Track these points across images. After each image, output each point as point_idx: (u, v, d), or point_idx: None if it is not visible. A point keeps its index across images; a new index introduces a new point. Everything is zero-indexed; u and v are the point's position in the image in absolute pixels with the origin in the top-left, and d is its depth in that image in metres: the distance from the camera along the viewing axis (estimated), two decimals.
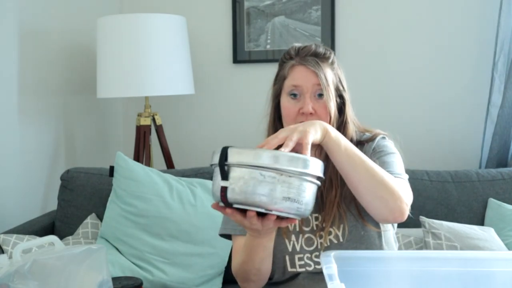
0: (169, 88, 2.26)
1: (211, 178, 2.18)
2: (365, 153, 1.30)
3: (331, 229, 1.27)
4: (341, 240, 1.26)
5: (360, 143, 1.34)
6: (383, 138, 1.35)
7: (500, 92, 2.21)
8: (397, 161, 1.30)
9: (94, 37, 2.32)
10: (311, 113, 1.26)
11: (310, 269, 1.27)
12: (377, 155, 1.30)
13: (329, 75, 1.29)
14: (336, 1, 2.50)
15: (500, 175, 1.95)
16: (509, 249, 1.72)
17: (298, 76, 1.29)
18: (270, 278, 1.32)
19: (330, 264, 0.79)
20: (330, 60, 1.31)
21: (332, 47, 2.50)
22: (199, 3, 2.66)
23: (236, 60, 2.63)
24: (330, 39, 2.49)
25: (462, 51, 2.41)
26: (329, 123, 1.26)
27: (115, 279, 1.27)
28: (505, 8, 2.18)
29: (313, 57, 1.29)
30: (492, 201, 1.89)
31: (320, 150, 1.32)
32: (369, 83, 2.48)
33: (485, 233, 1.75)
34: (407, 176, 1.29)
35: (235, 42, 2.61)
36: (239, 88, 2.65)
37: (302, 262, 1.28)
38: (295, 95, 1.29)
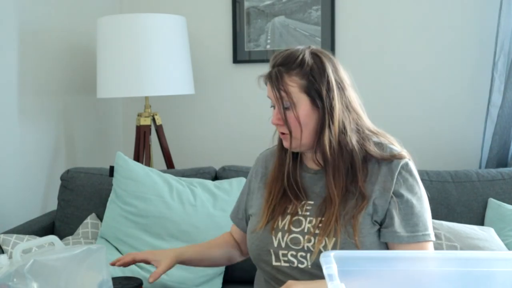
0: (169, 88, 2.26)
1: (211, 178, 2.19)
2: (377, 173, 1.26)
3: (325, 238, 1.24)
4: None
5: (372, 158, 1.27)
6: (406, 164, 1.26)
7: (500, 92, 2.21)
8: (423, 209, 1.25)
9: (94, 37, 2.32)
10: (278, 124, 1.28)
11: (293, 266, 1.28)
12: (401, 193, 1.24)
13: (293, 84, 1.24)
14: (336, 1, 2.50)
15: (500, 175, 1.95)
16: (509, 249, 1.72)
17: (267, 88, 1.30)
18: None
19: (330, 264, 0.79)
20: (298, 61, 1.24)
21: (332, 47, 2.50)
22: (199, 3, 2.66)
23: (236, 60, 2.63)
24: (330, 39, 2.49)
25: (462, 51, 2.41)
26: (300, 131, 1.25)
27: (115, 279, 1.27)
28: (505, 8, 2.18)
29: (277, 68, 1.27)
30: (492, 201, 1.89)
31: (317, 155, 1.30)
32: (369, 83, 2.48)
33: (485, 233, 1.75)
34: (431, 226, 1.25)
35: (235, 42, 2.61)
36: (239, 88, 2.65)
37: (286, 258, 1.29)
38: (273, 105, 1.31)
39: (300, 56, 1.25)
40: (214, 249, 1.49)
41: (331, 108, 1.24)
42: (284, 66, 1.26)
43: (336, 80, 1.25)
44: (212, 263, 1.52)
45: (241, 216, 1.48)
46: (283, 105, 1.25)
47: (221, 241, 1.52)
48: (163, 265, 1.33)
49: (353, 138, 1.26)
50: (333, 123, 1.24)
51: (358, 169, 1.25)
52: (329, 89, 1.24)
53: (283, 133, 1.30)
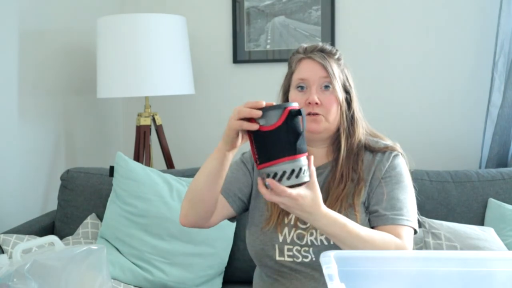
0: (169, 88, 2.26)
1: None
2: (371, 163, 1.34)
3: None
4: (331, 242, 1.28)
5: (368, 149, 1.36)
6: (397, 156, 1.35)
7: (500, 92, 2.21)
8: (409, 198, 1.30)
9: (94, 37, 2.32)
10: (316, 103, 1.29)
11: (298, 260, 1.31)
12: (389, 180, 1.31)
13: (336, 69, 1.33)
14: (336, 1, 2.50)
15: (500, 175, 1.95)
16: (509, 249, 1.72)
17: (305, 68, 1.33)
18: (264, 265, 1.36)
19: (330, 264, 0.79)
20: (336, 57, 1.35)
21: None
22: (199, 3, 2.66)
23: (236, 60, 2.63)
24: (330, 39, 2.49)
25: (462, 51, 2.41)
26: (340, 112, 1.31)
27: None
28: (505, 8, 2.18)
29: (320, 52, 1.33)
30: (492, 201, 1.89)
31: (330, 148, 1.37)
32: (369, 83, 2.48)
33: (485, 233, 1.75)
34: (415, 216, 1.29)
35: (235, 42, 2.61)
36: (239, 88, 2.65)
37: (291, 253, 1.31)
38: (302, 87, 1.32)
39: (338, 53, 1.37)
40: (216, 197, 1.31)
41: (353, 103, 1.36)
42: (324, 53, 1.34)
43: (353, 83, 1.37)
44: (205, 194, 1.28)
45: (231, 187, 1.39)
46: (325, 84, 1.31)
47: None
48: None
49: (362, 132, 1.38)
50: (354, 115, 1.36)
51: (360, 157, 1.34)
52: (351, 87, 1.37)
53: (316, 114, 1.31)
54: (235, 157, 1.34)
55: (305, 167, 1.07)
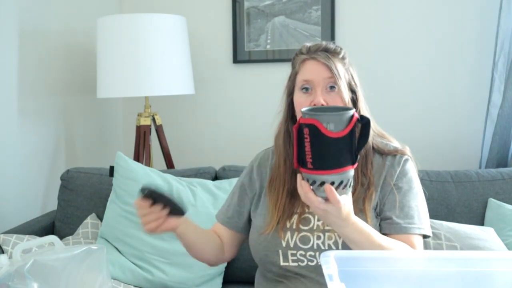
0: (169, 88, 2.26)
1: (211, 178, 2.18)
2: (382, 167, 1.32)
3: (333, 234, 1.27)
4: (340, 248, 1.27)
5: (377, 152, 1.34)
6: (407, 160, 1.33)
7: (500, 92, 2.21)
8: (420, 204, 1.30)
9: (94, 37, 2.32)
10: (322, 105, 1.27)
11: (302, 264, 1.29)
12: (401, 187, 1.29)
13: (340, 68, 1.30)
14: (336, 1, 2.50)
15: (500, 175, 1.95)
16: (509, 249, 1.72)
17: (309, 70, 1.30)
18: (269, 271, 1.35)
19: (330, 264, 0.79)
20: (341, 56, 1.33)
21: None
22: (199, 3, 2.66)
23: (236, 60, 2.63)
24: (330, 39, 2.49)
25: (462, 51, 2.41)
26: None
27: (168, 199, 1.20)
28: (505, 8, 2.18)
29: (323, 52, 1.31)
30: (492, 201, 1.89)
31: None
32: (369, 83, 2.46)
33: (485, 233, 1.75)
34: (427, 222, 1.29)
35: (235, 42, 2.61)
36: (239, 88, 2.65)
37: (295, 258, 1.29)
38: (306, 89, 1.30)
39: (342, 52, 1.34)
40: (210, 241, 1.41)
41: (359, 103, 1.34)
42: (328, 52, 1.31)
43: (359, 81, 1.37)
44: (199, 253, 1.40)
45: (230, 215, 1.44)
46: (330, 85, 1.29)
47: (215, 238, 1.44)
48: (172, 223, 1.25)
49: (371, 133, 1.34)
50: (362, 113, 1.33)
51: (369, 160, 1.32)
52: (357, 86, 1.35)
53: None
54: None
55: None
